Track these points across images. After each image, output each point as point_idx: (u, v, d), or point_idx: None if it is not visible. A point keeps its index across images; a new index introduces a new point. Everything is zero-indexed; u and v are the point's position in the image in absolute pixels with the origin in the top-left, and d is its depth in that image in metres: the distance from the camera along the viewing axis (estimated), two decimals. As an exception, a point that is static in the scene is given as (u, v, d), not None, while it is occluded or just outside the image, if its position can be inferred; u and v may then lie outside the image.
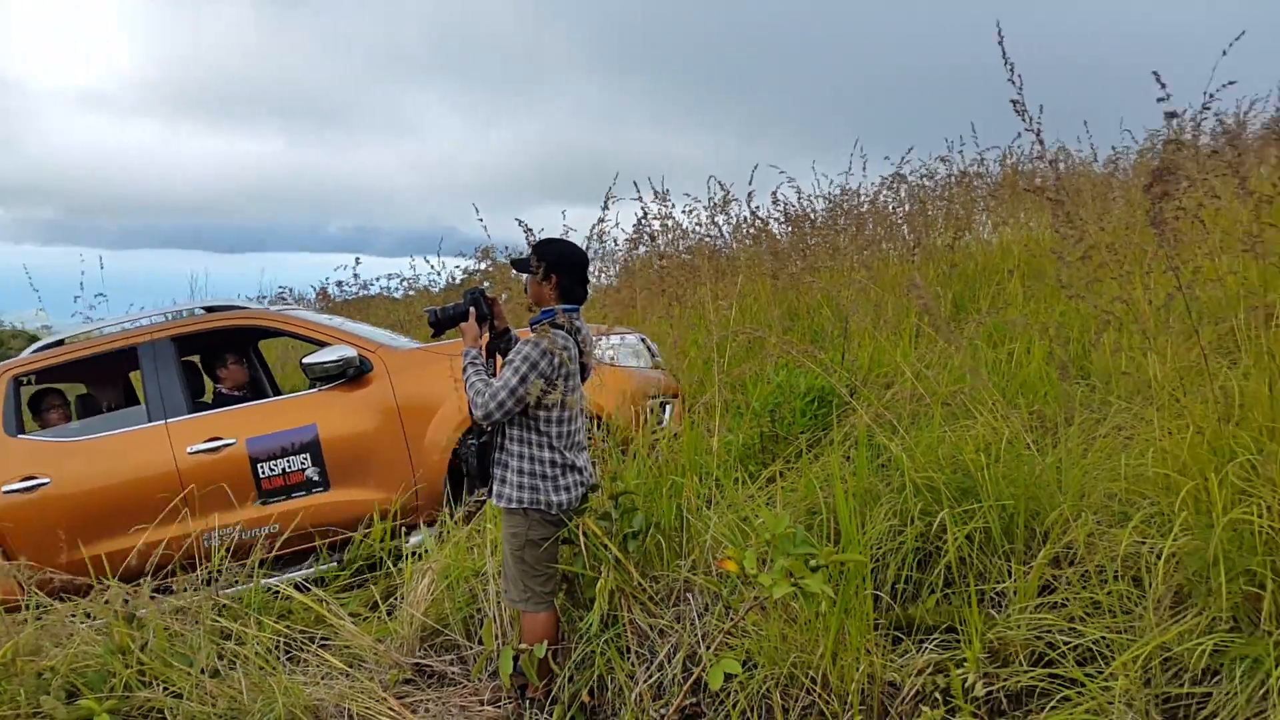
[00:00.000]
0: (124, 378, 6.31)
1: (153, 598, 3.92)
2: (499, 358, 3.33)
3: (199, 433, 4.85)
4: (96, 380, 6.09)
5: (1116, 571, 2.80)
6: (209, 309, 5.42)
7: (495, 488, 3.23)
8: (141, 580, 4.10)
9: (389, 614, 4.05)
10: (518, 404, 3.02)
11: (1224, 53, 2.65)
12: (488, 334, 3.36)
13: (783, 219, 7.27)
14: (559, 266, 3.16)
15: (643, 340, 5.44)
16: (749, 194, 7.18)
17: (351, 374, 4.87)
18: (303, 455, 4.81)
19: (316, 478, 4.83)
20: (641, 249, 7.47)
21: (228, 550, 4.54)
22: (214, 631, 3.83)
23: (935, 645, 2.99)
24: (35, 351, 5.29)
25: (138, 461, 4.83)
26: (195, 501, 4.74)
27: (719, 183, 7.17)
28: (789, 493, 3.68)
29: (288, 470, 4.83)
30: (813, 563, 2.80)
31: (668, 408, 5.09)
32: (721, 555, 2.98)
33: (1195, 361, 2.78)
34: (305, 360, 4.89)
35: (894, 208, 7.24)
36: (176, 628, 3.81)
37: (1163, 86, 2.58)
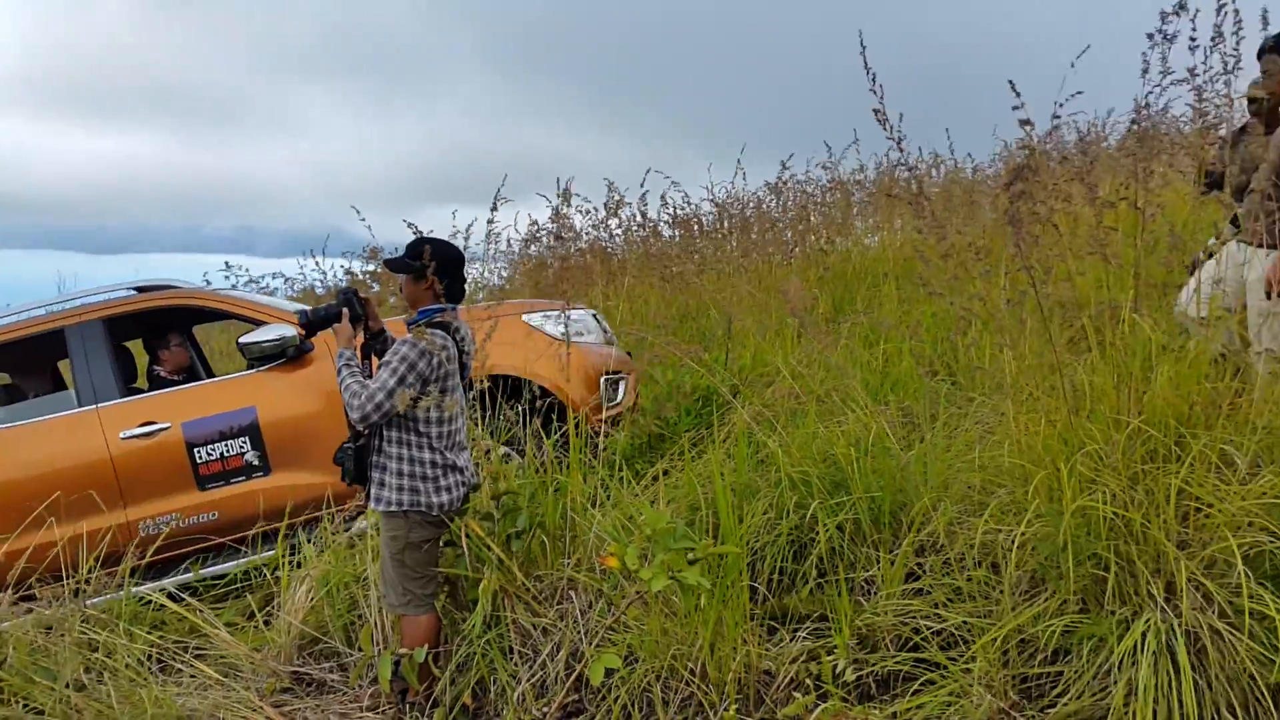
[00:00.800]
0: (52, 366, 5.92)
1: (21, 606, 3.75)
2: (375, 359, 3.29)
3: (132, 417, 4.61)
4: (21, 369, 5.72)
5: (977, 559, 2.94)
6: (140, 289, 5.08)
7: (373, 491, 3.18)
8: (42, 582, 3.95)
9: (266, 623, 3.95)
10: (395, 405, 2.98)
11: (1071, 65, 2.81)
12: (362, 335, 3.31)
13: (671, 222, 7.40)
14: (435, 265, 3.14)
15: (594, 316, 5.35)
16: (642, 196, 7.29)
17: (292, 354, 4.70)
18: (241, 439, 4.62)
19: (256, 462, 4.65)
20: (533, 249, 7.48)
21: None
22: (81, 644, 3.67)
23: (808, 634, 3.09)
24: None
25: (66, 449, 4.58)
26: (129, 490, 4.56)
27: (611, 185, 7.25)
28: (673, 489, 3.74)
29: (226, 455, 4.63)
30: (691, 556, 2.86)
31: (621, 384, 5.03)
32: (604, 552, 3.02)
33: (1048, 357, 2.94)
34: (242, 340, 4.67)
35: (777, 212, 7.43)
36: (41, 641, 3.64)
37: (1017, 95, 2.72)
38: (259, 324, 4.80)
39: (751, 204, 7.27)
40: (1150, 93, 2.70)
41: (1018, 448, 2.94)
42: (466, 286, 3.38)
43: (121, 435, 4.60)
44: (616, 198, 7.03)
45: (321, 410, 4.62)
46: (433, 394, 3.03)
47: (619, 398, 4.94)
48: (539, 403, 4.49)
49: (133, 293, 5.05)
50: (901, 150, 2.98)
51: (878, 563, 3.16)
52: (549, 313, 4.97)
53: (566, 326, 4.34)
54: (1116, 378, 2.88)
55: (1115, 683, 2.53)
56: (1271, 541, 2.57)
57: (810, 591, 3.26)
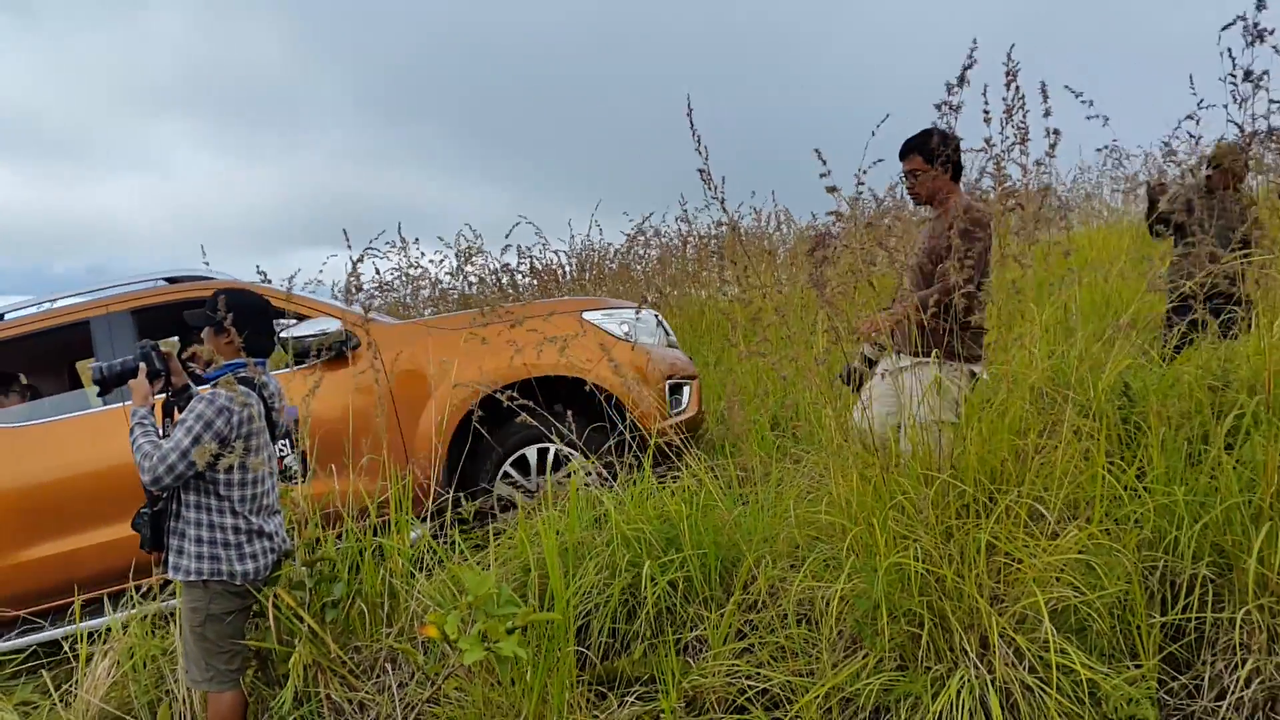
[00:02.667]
0: (69, 366, 5.49)
1: None
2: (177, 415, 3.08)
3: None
4: (38, 366, 5.31)
5: (798, 616, 2.91)
6: (171, 279, 4.71)
7: (171, 559, 2.96)
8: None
9: (66, 703, 3.63)
10: (190, 467, 2.79)
11: (872, 133, 2.87)
12: (162, 392, 3.10)
13: (529, 272, 7.35)
14: (238, 318, 2.96)
15: (657, 318, 5.05)
16: (504, 248, 7.24)
17: (338, 350, 4.35)
18: (281, 441, 4.26)
19: (295, 465, 4.31)
20: (377, 299, 7.30)
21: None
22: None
23: (637, 698, 3.00)
24: None
25: (93, 451, 4.17)
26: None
27: (466, 234, 7.21)
28: (507, 550, 3.61)
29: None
30: (510, 625, 2.74)
31: (685, 389, 4.76)
32: (423, 621, 2.87)
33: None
34: (286, 333, 4.28)
35: (637, 264, 7.49)
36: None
37: (824, 164, 2.76)
38: (302, 318, 4.45)
39: (612, 255, 7.34)
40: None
41: (837, 504, 2.94)
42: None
43: None
44: (467, 245, 6.97)
45: (369, 410, 4.24)
46: (231, 454, 2.83)
47: (684, 404, 4.69)
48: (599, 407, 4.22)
49: (163, 284, 4.68)
50: (725, 209, 2.98)
51: (715, 624, 3.10)
52: (610, 311, 4.70)
53: (633, 327, 4.16)
54: (926, 433, 2.91)
55: (931, 741, 2.53)
56: (1077, 596, 2.62)
57: (643, 653, 3.17)
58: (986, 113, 2.91)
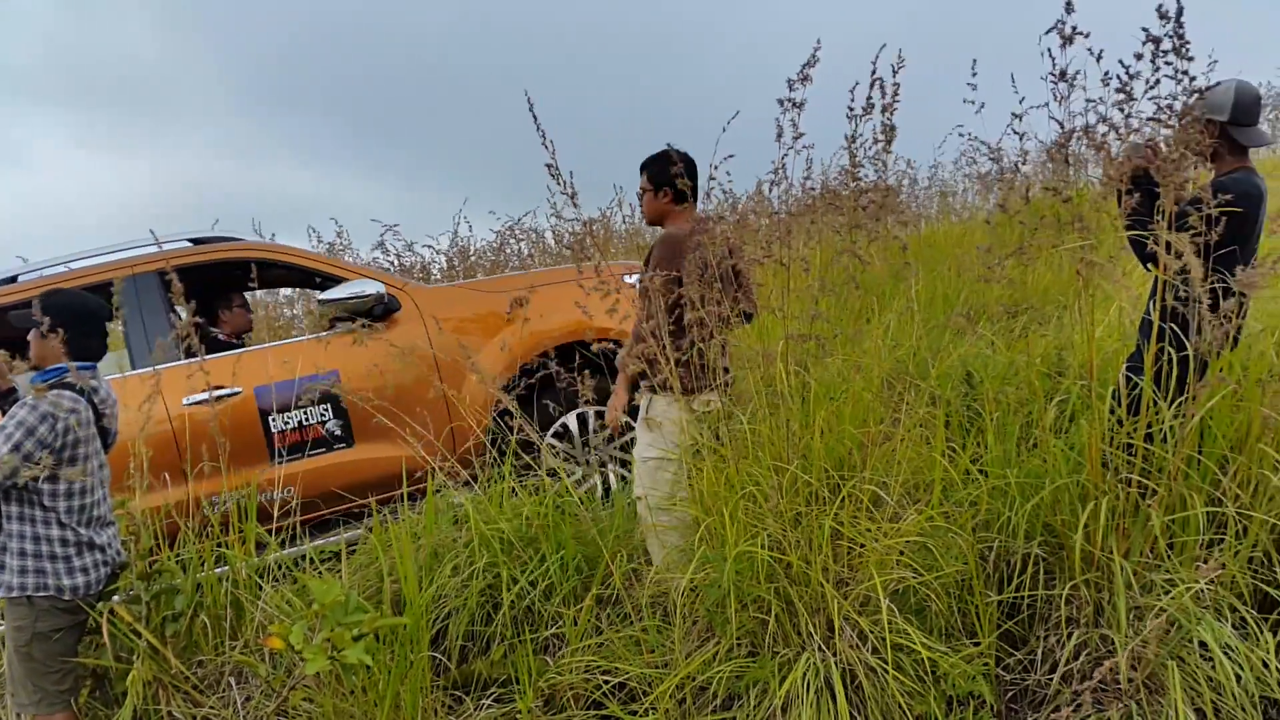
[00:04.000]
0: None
1: None
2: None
3: (197, 382, 3.91)
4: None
5: (660, 608, 2.93)
6: (196, 240, 4.46)
7: None
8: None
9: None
10: (7, 476, 2.63)
11: (723, 129, 2.91)
12: None
13: (395, 269, 7.25)
14: (64, 320, 2.81)
15: None
16: (377, 244, 7.13)
17: (378, 312, 4.20)
18: (322, 406, 4.09)
19: (339, 432, 4.14)
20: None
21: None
22: None
23: (495, 699, 2.96)
24: None
25: (122, 416, 3.72)
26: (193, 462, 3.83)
27: (334, 227, 7.07)
28: (363, 555, 3.52)
29: (304, 424, 4.14)
30: (356, 632, 2.67)
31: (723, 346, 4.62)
32: (268, 632, 2.77)
33: (716, 407, 3.00)
34: (323, 296, 4.18)
35: (511, 260, 7.46)
36: None
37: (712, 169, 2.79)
38: (335, 279, 4.31)
39: (485, 251, 7.30)
40: (784, 155, 2.83)
41: (693, 496, 2.96)
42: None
43: (185, 401, 4.06)
44: (328, 243, 6.84)
45: (410, 375, 4.09)
46: (37, 467, 2.66)
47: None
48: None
49: (188, 244, 4.45)
50: (575, 205, 2.98)
51: (574, 620, 3.09)
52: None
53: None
54: (773, 423, 2.96)
55: (781, 725, 2.57)
56: (916, 577, 2.70)
57: (503, 654, 3.13)
58: (852, 108, 2.98)
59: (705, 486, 2.85)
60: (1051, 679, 2.69)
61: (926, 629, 2.71)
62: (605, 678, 2.82)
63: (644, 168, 3.45)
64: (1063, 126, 2.53)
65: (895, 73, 2.78)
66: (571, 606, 3.09)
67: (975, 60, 3.08)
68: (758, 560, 2.69)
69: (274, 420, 4.18)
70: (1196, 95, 2.40)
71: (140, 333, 4.20)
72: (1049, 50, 2.48)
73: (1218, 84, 3.04)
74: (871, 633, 2.63)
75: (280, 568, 3.39)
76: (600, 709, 2.84)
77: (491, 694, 2.96)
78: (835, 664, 2.58)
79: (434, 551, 3.28)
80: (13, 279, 4.36)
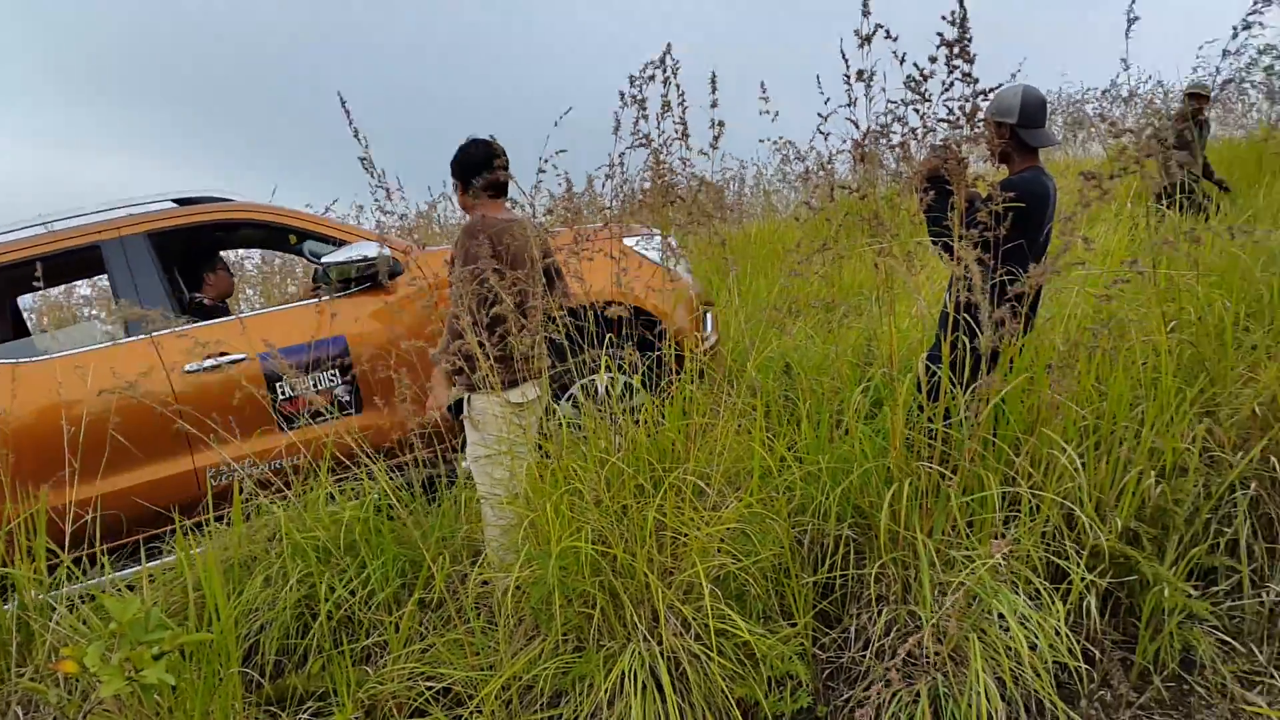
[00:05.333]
0: (9, 303, 4.90)
1: None
2: None
3: (197, 348, 3.84)
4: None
5: (486, 609, 2.88)
6: (181, 201, 4.25)
7: None
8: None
9: None
10: None
11: (555, 123, 2.89)
12: None
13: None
14: None
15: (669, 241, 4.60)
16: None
17: (383, 276, 4.10)
18: (330, 372, 3.94)
19: (347, 397, 4.03)
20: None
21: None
22: None
23: (312, 713, 2.84)
24: None
25: (119, 385, 3.60)
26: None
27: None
28: (168, 570, 3.31)
29: (314, 389, 3.99)
30: (156, 650, 2.50)
31: (708, 315, 4.53)
32: (60, 655, 2.56)
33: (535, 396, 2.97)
34: (327, 259, 4.03)
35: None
36: None
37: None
38: (338, 243, 4.18)
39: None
40: (624, 151, 2.84)
41: (510, 492, 2.93)
42: None
43: (186, 369, 3.89)
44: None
45: (417, 341, 3.80)
46: None
47: (709, 330, 4.50)
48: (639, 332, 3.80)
49: (173, 205, 4.25)
50: (389, 198, 2.90)
51: (396, 628, 3.00)
52: (644, 236, 4.43)
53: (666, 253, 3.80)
54: (598, 418, 2.96)
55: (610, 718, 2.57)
56: (735, 563, 2.76)
57: (321, 666, 3.01)
58: (665, 103, 3.00)
59: (528, 482, 2.82)
60: (865, 655, 2.81)
61: (747, 613, 2.77)
62: (429, 684, 2.75)
63: (451, 163, 3.39)
64: (858, 127, 2.64)
65: (676, 73, 2.84)
66: (394, 613, 3.00)
67: (763, 81, 3.14)
68: (582, 554, 2.68)
69: (281, 386, 4.04)
70: (982, 96, 2.54)
71: (133, 296, 4.00)
72: (843, 52, 2.57)
73: (1006, 88, 3.26)
74: (695, 620, 2.67)
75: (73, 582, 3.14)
76: (424, 716, 2.77)
77: (309, 708, 2.84)
78: (660, 653, 2.60)
79: (244, 563, 3.12)
80: None
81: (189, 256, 4.80)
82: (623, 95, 2.97)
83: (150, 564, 3.57)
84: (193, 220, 4.23)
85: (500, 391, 3.02)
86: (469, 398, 3.20)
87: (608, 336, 3.21)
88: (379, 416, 4.12)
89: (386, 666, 2.85)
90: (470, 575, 2.78)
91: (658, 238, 4.52)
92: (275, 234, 4.54)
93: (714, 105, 3.02)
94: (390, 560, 3.03)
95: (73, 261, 4.31)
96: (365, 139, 2.80)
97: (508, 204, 3.37)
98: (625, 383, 4.16)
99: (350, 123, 2.79)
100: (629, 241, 4.50)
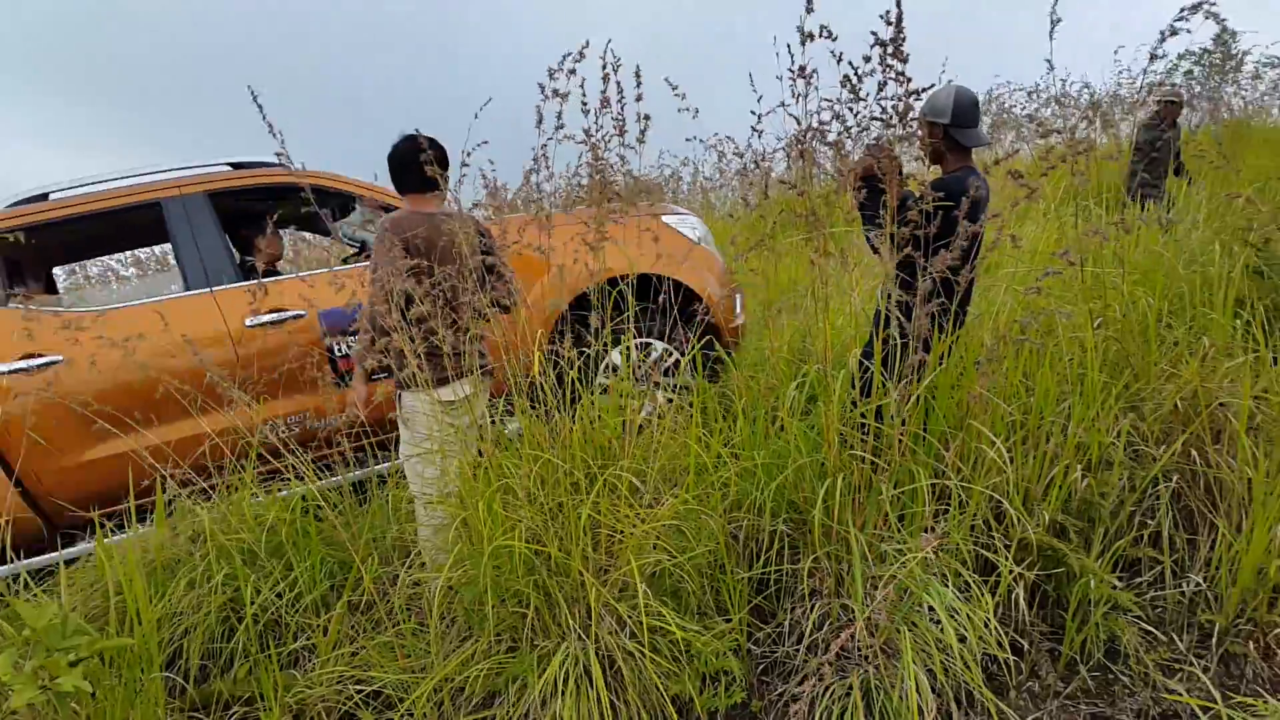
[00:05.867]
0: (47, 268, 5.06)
1: None
2: None
3: (258, 304, 3.97)
4: (99, 250, 5.00)
5: (417, 610, 2.83)
6: (236, 165, 4.34)
7: None
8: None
9: None
10: None
11: (475, 115, 2.84)
12: None
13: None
14: None
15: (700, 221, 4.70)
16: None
17: None
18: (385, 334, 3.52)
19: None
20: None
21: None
22: None
23: (237, 719, 2.77)
24: (11, 207, 4.04)
25: (179, 339, 3.74)
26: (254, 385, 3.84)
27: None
28: (88, 573, 3.20)
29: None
30: (73, 657, 2.42)
31: (738, 296, 4.66)
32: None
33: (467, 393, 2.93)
34: (360, 219, 4.32)
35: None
36: None
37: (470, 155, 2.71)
38: (388, 209, 4.22)
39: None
40: (544, 144, 2.80)
41: (442, 490, 2.89)
42: None
43: (248, 323, 3.99)
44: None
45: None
46: None
47: (739, 309, 4.68)
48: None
49: (228, 168, 4.33)
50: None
51: (322, 630, 2.93)
52: (680, 215, 4.57)
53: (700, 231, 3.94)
54: (533, 415, 2.94)
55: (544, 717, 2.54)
56: (670, 560, 2.75)
57: (248, 670, 2.93)
58: (584, 103, 2.98)
59: (460, 481, 2.78)
60: (799, 650, 2.82)
61: (682, 610, 2.77)
62: (359, 687, 2.70)
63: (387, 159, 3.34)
64: (799, 123, 2.64)
65: (617, 70, 2.83)
66: (322, 615, 2.94)
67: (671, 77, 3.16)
68: (516, 553, 2.65)
69: (338, 345, 4.19)
70: (915, 96, 2.56)
71: (194, 254, 4.09)
72: (788, 47, 2.57)
73: (940, 88, 3.29)
74: (630, 618, 2.66)
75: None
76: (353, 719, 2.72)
77: (234, 713, 2.77)
78: (594, 652, 2.59)
79: (168, 565, 3.03)
80: (43, 196, 4.17)
81: (240, 221, 4.82)
82: (542, 88, 2.94)
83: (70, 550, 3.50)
84: (252, 183, 4.30)
85: (431, 389, 2.97)
86: (399, 395, 3.15)
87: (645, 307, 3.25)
88: None
89: (315, 670, 2.79)
90: (400, 576, 2.73)
91: (691, 218, 4.69)
92: (329, 200, 4.67)
93: (638, 99, 3.02)
94: (318, 562, 2.96)
95: (134, 220, 4.33)
96: (281, 135, 2.74)
97: (441, 198, 3.31)
98: (669, 351, 4.36)
99: (263, 117, 2.72)
100: (668, 220, 4.65)
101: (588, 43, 2.96)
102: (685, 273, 4.41)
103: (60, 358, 3.74)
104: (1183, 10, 3.17)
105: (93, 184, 4.18)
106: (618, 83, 2.85)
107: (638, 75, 2.82)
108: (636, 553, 2.68)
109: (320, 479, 3.34)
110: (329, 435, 3.78)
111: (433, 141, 3.21)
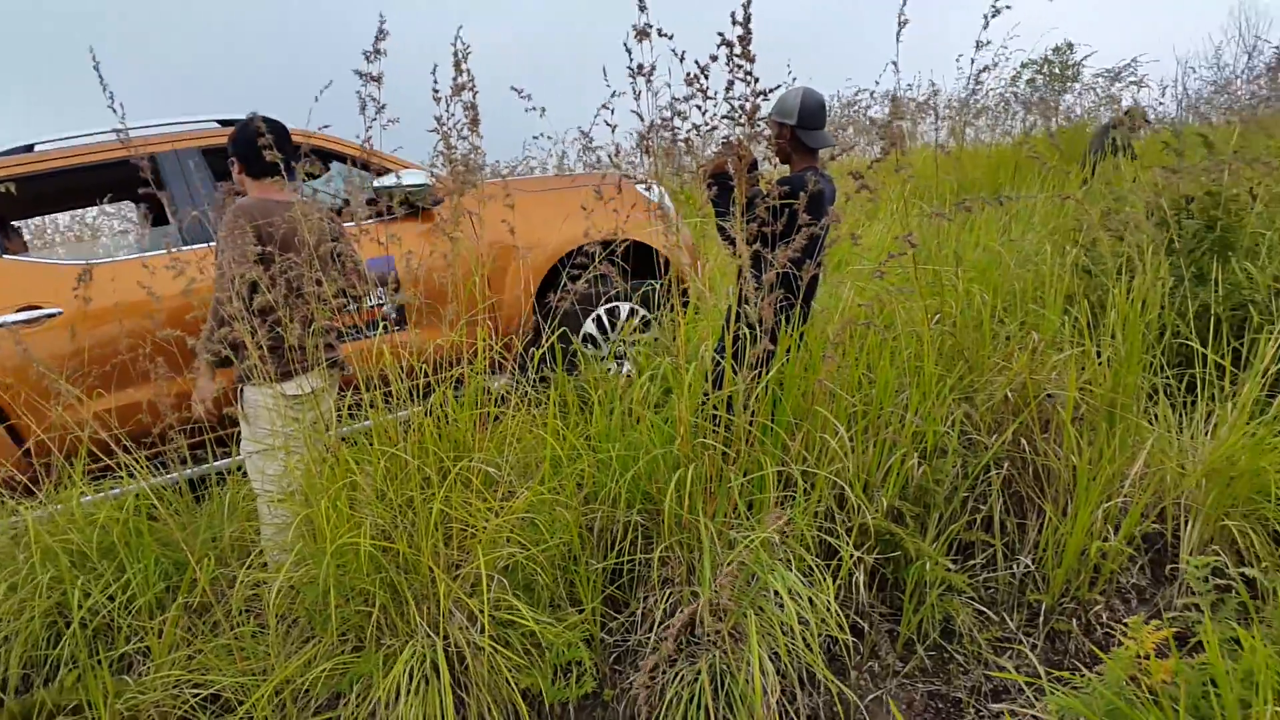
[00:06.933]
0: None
1: None
2: None
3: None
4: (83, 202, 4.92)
5: (258, 611, 2.75)
6: (223, 122, 4.31)
7: None
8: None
9: None
10: None
11: (316, 98, 2.78)
12: None
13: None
14: None
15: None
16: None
17: (427, 204, 4.34)
18: (379, 290, 3.97)
19: (394, 315, 4.24)
20: None
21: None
22: None
23: (63, 731, 2.63)
24: None
25: (180, 289, 3.62)
26: None
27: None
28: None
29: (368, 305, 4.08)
30: None
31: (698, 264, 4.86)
32: None
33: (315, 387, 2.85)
34: (380, 184, 4.18)
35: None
36: None
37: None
38: (379, 170, 4.39)
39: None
40: (369, 128, 2.76)
41: (284, 487, 2.81)
42: None
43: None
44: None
45: (450, 267, 3.64)
46: None
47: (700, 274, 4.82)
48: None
49: (216, 125, 4.31)
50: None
51: (156, 633, 2.81)
52: (646, 183, 4.53)
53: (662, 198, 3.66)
54: (386, 409, 2.88)
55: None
56: (524, 553, 2.75)
57: (77, 678, 2.78)
58: (436, 90, 2.94)
59: (304, 477, 2.71)
60: (651, 638, 2.86)
61: (535, 602, 2.77)
62: (196, 691, 2.60)
63: (228, 142, 3.22)
64: (642, 119, 2.68)
65: (466, 57, 2.82)
66: (157, 618, 2.81)
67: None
68: (361, 551, 2.60)
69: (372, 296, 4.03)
70: (762, 96, 2.63)
71: (190, 207, 4.06)
72: (624, 45, 2.60)
73: (789, 90, 3.39)
74: (481, 612, 2.64)
75: None
76: (190, 725, 2.61)
77: (59, 724, 2.63)
78: (443, 648, 2.56)
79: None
80: (28, 148, 4.13)
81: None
82: (359, 74, 2.90)
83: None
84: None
85: (274, 383, 2.88)
86: (241, 390, 3.04)
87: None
88: (421, 334, 4.21)
89: (149, 675, 2.67)
90: (239, 576, 2.64)
91: (656, 188, 4.75)
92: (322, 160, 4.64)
93: (464, 89, 3.01)
94: (152, 563, 2.83)
95: (127, 174, 4.08)
96: (123, 108, 2.61)
97: (288, 185, 3.21)
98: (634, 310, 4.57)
99: (102, 85, 2.59)
100: (640, 189, 4.76)
101: (384, 25, 2.91)
102: (658, 239, 4.63)
103: (59, 310, 3.74)
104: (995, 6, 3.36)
105: (76, 137, 4.16)
106: (467, 69, 2.83)
107: (457, 65, 2.81)
108: (489, 547, 2.67)
109: (155, 475, 3.20)
110: (163, 432, 3.62)
111: (272, 124, 3.10)
